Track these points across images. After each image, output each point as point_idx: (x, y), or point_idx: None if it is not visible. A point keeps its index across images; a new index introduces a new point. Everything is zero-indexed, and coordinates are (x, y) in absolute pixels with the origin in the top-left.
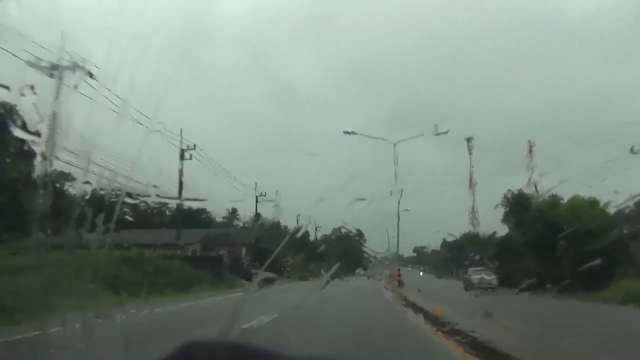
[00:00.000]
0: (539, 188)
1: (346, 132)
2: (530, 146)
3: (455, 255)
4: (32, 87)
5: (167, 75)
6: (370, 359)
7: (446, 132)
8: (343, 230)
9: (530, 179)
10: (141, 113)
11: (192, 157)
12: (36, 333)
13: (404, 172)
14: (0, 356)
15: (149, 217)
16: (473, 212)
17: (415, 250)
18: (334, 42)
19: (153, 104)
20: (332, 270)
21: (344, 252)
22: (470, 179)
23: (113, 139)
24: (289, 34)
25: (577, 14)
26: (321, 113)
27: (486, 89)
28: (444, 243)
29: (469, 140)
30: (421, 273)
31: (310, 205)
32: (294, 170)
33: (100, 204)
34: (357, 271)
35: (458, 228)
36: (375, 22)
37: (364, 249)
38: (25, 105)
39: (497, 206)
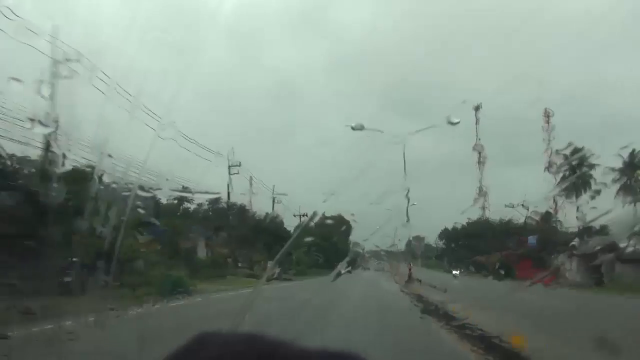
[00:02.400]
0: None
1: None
2: (548, 116)
3: (474, 244)
4: (47, 82)
5: (165, 68)
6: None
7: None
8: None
9: (550, 154)
10: (149, 109)
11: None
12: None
13: (396, 165)
14: (17, 349)
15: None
16: (482, 193)
17: (407, 243)
18: (329, 34)
19: (160, 98)
20: (341, 267)
21: (324, 242)
22: (479, 157)
23: (124, 133)
24: (284, 28)
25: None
26: (318, 105)
27: (483, 78)
28: (445, 233)
29: (477, 109)
30: (456, 272)
31: (303, 197)
32: (290, 164)
33: (113, 198)
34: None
35: (456, 217)
36: (370, 9)
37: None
38: (40, 99)
39: (546, 169)
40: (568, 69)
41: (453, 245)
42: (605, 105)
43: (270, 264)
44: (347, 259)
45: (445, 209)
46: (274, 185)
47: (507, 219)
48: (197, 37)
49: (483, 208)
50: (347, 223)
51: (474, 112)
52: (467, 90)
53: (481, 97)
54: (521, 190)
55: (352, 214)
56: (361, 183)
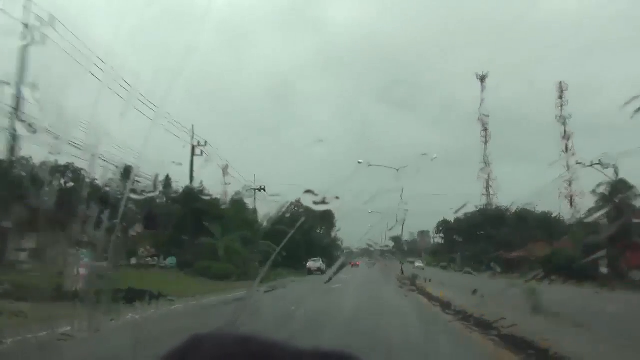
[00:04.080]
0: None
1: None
2: (562, 89)
3: (485, 236)
4: (34, 84)
5: (156, 67)
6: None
7: None
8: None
9: (565, 133)
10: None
11: (203, 153)
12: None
13: (381, 155)
14: (10, 356)
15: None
16: (488, 177)
17: (393, 239)
18: (322, 31)
19: (152, 97)
20: (338, 264)
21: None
22: (486, 133)
23: (119, 133)
24: (276, 26)
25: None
26: (312, 102)
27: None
28: (445, 224)
29: (482, 79)
30: None
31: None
32: (285, 162)
33: (106, 201)
34: (309, 264)
35: (454, 211)
36: (365, 5)
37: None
38: (28, 101)
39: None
40: (557, 68)
41: (458, 237)
42: (592, 104)
43: (83, 254)
44: (340, 262)
45: (441, 204)
46: (192, 125)
47: (521, 206)
48: (189, 36)
49: (488, 194)
50: (329, 213)
51: (479, 82)
52: (460, 88)
53: (475, 94)
54: (519, 184)
55: (337, 198)
56: (356, 182)
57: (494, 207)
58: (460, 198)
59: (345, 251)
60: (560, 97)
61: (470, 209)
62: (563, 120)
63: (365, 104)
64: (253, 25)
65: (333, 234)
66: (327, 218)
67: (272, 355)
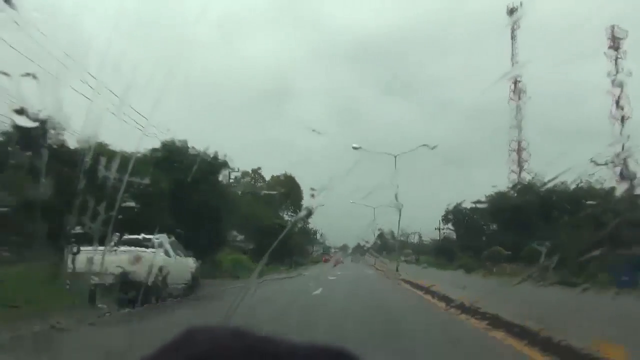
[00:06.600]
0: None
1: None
2: (615, 36)
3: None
4: (34, 76)
5: (152, 63)
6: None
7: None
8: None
9: (621, 94)
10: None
11: None
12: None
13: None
14: (6, 350)
15: None
16: (519, 146)
17: (380, 237)
18: (320, 25)
19: (147, 93)
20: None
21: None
22: (515, 85)
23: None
24: (275, 21)
25: None
26: (311, 97)
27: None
28: (457, 212)
29: (511, 12)
30: None
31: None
32: (285, 159)
33: (102, 192)
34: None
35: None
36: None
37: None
38: (27, 93)
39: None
40: (545, 74)
41: (492, 226)
42: (581, 112)
43: None
44: (337, 253)
45: (440, 204)
46: None
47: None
48: (186, 30)
49: (520, 168)
50: (292, 189)
51: (508, 17)
52: (455, 88)
53: (470, 93)
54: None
55: (313, 190)
56: (350, 178)
57: (529, 184)
58: (462, 196)
59: (332, 249)
60: (614, 48)
61: (509, 185)
62: (614, 77)
63: (364, 98)
64: (250, 21)
65: (313, 229)
66: (297, 196)
67: (267, 350)
